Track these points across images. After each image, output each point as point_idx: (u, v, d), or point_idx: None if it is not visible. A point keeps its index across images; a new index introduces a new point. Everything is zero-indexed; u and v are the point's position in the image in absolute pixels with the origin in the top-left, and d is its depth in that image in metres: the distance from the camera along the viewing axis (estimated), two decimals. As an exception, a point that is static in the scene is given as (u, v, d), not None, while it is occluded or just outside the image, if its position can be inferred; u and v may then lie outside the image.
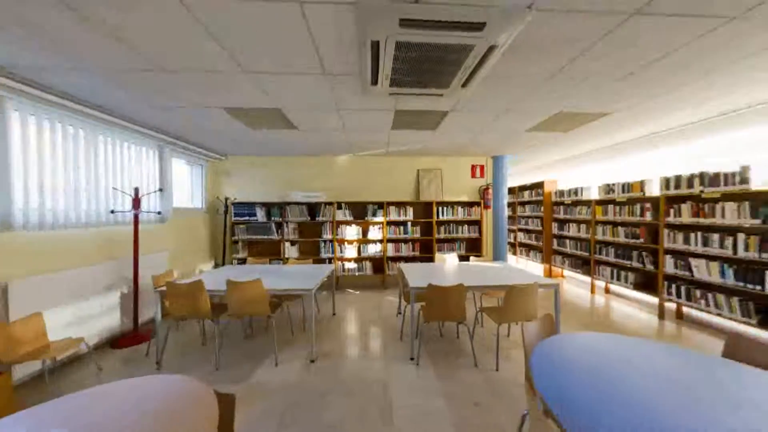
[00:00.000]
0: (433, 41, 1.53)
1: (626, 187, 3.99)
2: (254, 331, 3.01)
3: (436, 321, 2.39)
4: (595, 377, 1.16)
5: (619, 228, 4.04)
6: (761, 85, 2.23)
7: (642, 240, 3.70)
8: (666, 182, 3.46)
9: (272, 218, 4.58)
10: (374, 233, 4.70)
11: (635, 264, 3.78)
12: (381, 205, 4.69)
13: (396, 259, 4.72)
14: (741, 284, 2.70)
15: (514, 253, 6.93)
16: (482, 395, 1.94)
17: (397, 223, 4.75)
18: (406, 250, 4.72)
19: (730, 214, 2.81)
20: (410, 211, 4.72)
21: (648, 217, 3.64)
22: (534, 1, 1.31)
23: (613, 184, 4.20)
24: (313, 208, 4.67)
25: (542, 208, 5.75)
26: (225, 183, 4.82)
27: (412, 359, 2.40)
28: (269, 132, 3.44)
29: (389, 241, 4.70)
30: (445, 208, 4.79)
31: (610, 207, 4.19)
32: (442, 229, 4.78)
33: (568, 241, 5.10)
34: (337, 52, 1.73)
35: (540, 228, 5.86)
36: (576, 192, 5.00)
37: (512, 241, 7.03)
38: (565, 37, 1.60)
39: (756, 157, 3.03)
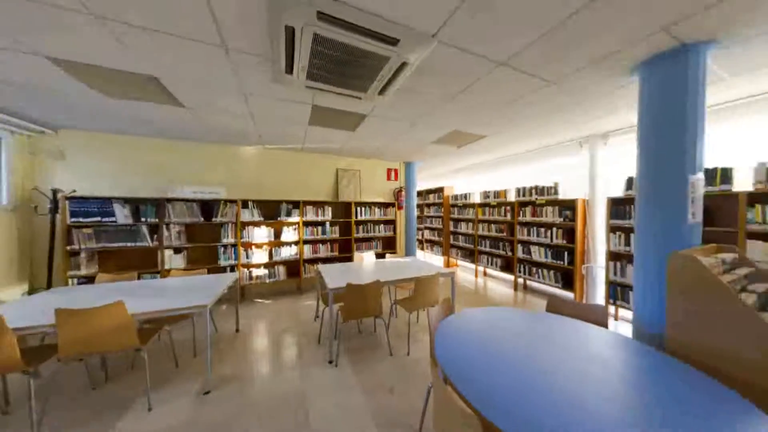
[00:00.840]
0: (353, 44, 1.57)
1: (496, 194, 5.26)
2: (110, 375, 2.19)
3: (355, 319, 2.43)
4: (476, 342, 1.48)
5: (492, 225, 5.29)
6: (566, 127, 3.41)
7: (505, 234, 4.97)
8: (517, 191, 4.79)
9: (144, 219, 3.48)
10: (289, 235, 4.33)
11: (501, 252, 5.04)
12: (297, 205, 4.38)
13: (314, 260, 4.52)
14: (553, 261, 4.06)
15: (422, 249, 7.91)
16: (396, 381, 2.13)
17: (315, 224, 4.55)
18: (324, 250, 4.59)
19: (549, 215, 4.18)
20: (329, 210, 4.62)
21: (508, 216, 4.92)
22: (437, 33, 1.55)
23: (489, 192, 5.46)
24: (208, 207, 3.86)
25: (442, 210, 6.82)
26: (54, 169, 3.33)
27: (330, 362, 2.36)
28: (140, 105, 2.62)
29: (306, 242, 4.45)
30: (363, 208, 4.94)
31: (487, 209, 5.43)
32: (360, 228, 4.92)
33: (460, 236, 6.25)
34: (242, 24, 1.51)
35: (441, 226, 6.94)
36: (465, 197, 6.19)
37: (420, 238, 8.01)
38: (459, 70, 1.97)
39: (563, 176, 4.61)
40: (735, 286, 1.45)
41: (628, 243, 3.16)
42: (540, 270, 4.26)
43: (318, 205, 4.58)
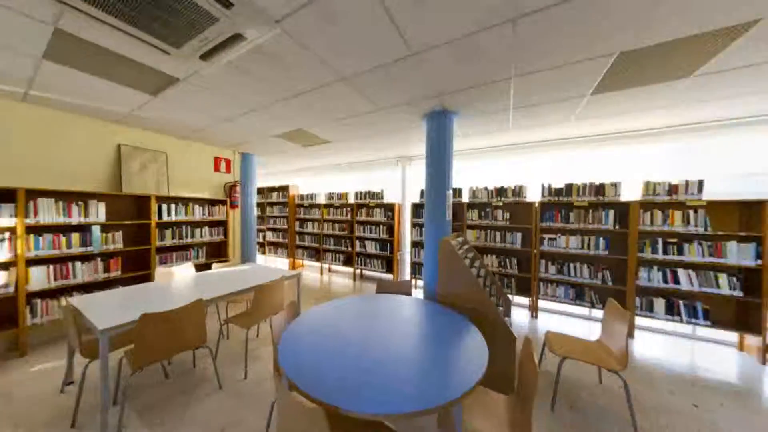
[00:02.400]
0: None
1: (339, 195, 5.80)
2: None
3: (157, 362, 1.79)
4: (321, 338, 1.60)
5: (336, 224, 5.77)
6: (387, 146, 4.37)
7: (346, 232, 5.59)
8: (356, 194, 5.56)
9: None
10: (-4, 250, 2.39)
11: (343, 248, 5.62)
12: (12, 196, 2.51)
13: (61, 291, 2.78)
14: (381, 252, 5.12)
15: (264, 253, 7.12)
16: (229, 416, 1.81)
17: (63, 229, 2.82)
18: (88, 271, 2.92)
19: (378, 215, 5.20)
20: (101, 208, 3.03)
21: (349, 216, 5.59)
22: (282, 20, 1.50)
23: (333, 193, 5.90)
24: None
25: (288, 209, 6.51)
26: None
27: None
28: None
29: (38, 262, 2.66)
30: (173, 206, 3.69)
31: (332, 209, 5.84)
32: (167, 233, 3.62)
33: (306, 236, 6.27)
34: None
35: (286, 227, 6.60)
36: (311, 197, 6.30)
37: (261, 240, 7.16)
38: (305, 69, 2.01)
39: (388, 184, 5.89)
40: (462, 255, 2.55)
41: (422, 234, 4.61)
42: (372, 260, 5.20)
43: (72, 198, 2.89)
